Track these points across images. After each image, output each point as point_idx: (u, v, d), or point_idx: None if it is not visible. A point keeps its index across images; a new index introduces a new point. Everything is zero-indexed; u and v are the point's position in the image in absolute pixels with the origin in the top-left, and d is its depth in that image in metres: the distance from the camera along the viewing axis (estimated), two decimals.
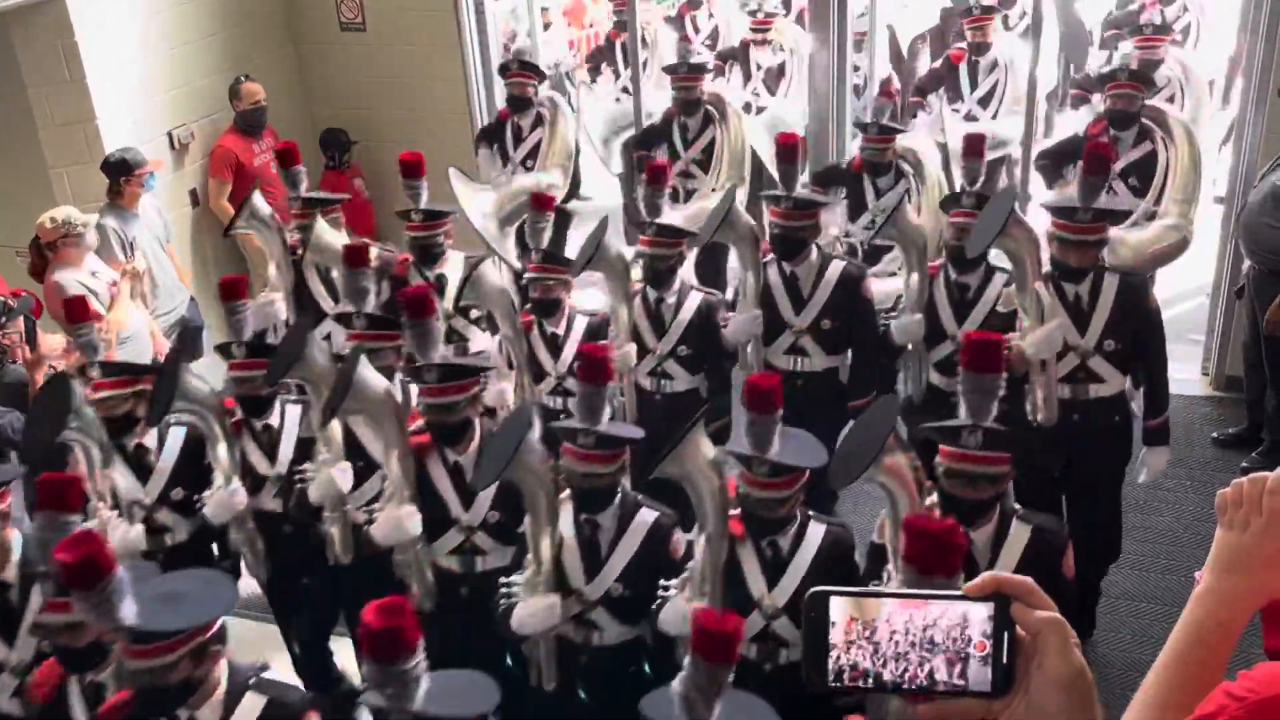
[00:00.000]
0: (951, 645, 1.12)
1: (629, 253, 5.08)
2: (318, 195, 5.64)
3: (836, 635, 1.14)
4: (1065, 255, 4.48)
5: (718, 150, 6.66)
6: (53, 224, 5.42)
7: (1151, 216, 5.80)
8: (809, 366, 4.98)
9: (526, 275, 5.01)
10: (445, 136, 7.30)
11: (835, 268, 4.93)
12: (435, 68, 7.45)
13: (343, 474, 3.96)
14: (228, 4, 7.09)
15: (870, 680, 1.13)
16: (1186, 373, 6.82)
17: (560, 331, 4.97)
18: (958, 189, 5.54)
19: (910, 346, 4.91)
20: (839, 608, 1.15)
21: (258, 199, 5.33)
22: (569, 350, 4.91)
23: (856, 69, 7.92)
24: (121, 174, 5.91)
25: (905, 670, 1.13)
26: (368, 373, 3.72)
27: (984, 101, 7.53)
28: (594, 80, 8.49)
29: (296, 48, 7.70)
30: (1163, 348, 4.67)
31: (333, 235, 5.34)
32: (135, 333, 5.71)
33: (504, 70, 6.88)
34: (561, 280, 4.89)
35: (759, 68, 7.98)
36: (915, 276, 4.79)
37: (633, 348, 4.90)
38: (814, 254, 4.92)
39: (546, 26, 10.58)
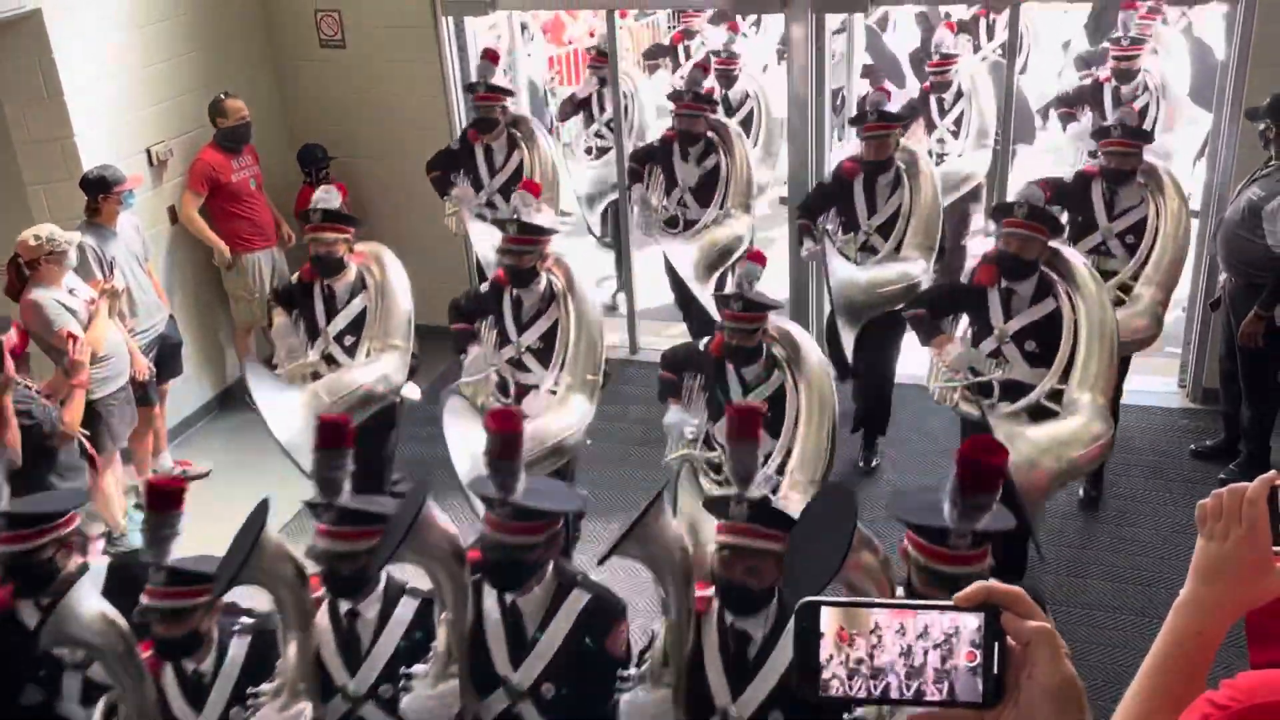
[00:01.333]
0: (942, 655, 1.13)
1: None
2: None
3: (827, 646, 1.15)
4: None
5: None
6: (35, 241, 5.37)
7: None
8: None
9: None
10: (424, 152, 7.29)
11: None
12: (414, 84, 7.46)
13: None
14: (207, 21, 7.08)
15: (861, 691, 1.14)
16: (1163, 385, 6.90)
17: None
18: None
19: None
20: (829, 618, 1.15)
21: None
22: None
23: (836, 92, 7.99)
24: (100, 191, 5.88)
25: (896, 681, 1.13)
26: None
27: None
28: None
29: (276, 64, 7.69)
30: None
31: None
32: (113, 352, 5.68)
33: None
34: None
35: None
36: None
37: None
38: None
39: (530, 40, 10.64)
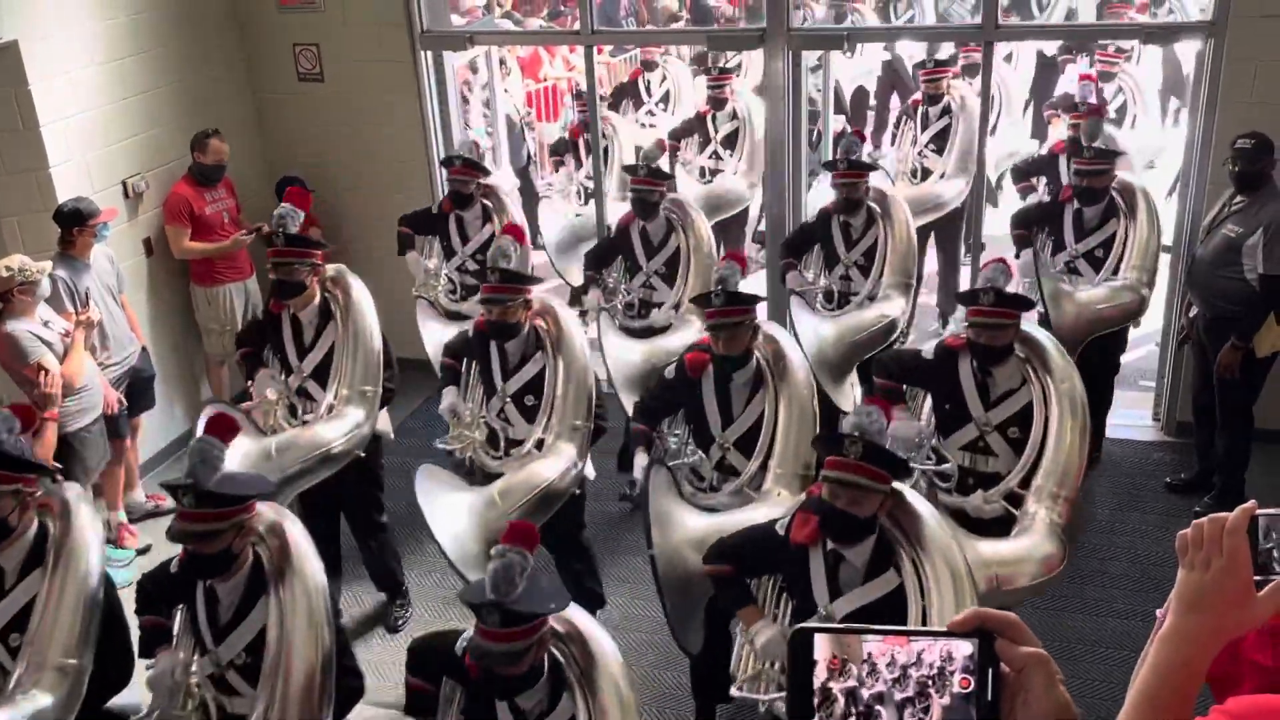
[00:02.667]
0: (936, 682, 1.12)
1: None
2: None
3: (820, 673, 1.13)
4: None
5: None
6: (7, 272, 5.32)
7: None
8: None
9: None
10: (403, 186, 7.31)
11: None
12: (392, 118, 7.47)
13: None
14: (186, 53, 7.07)
15: (854, 718, 1.13)
16: (1138, 419, 6.94)
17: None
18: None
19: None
20: (822, 646, 1.14)
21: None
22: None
23: (814, 117, 8.07)
24: (74, 224, 5.83)
25: (890, 708, 1.12)
26: None
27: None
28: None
29: (254, 97, 7.69)
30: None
31: None
32: (89, 384, 5.62)
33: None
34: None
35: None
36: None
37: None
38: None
39: (506, 74, 10.68)
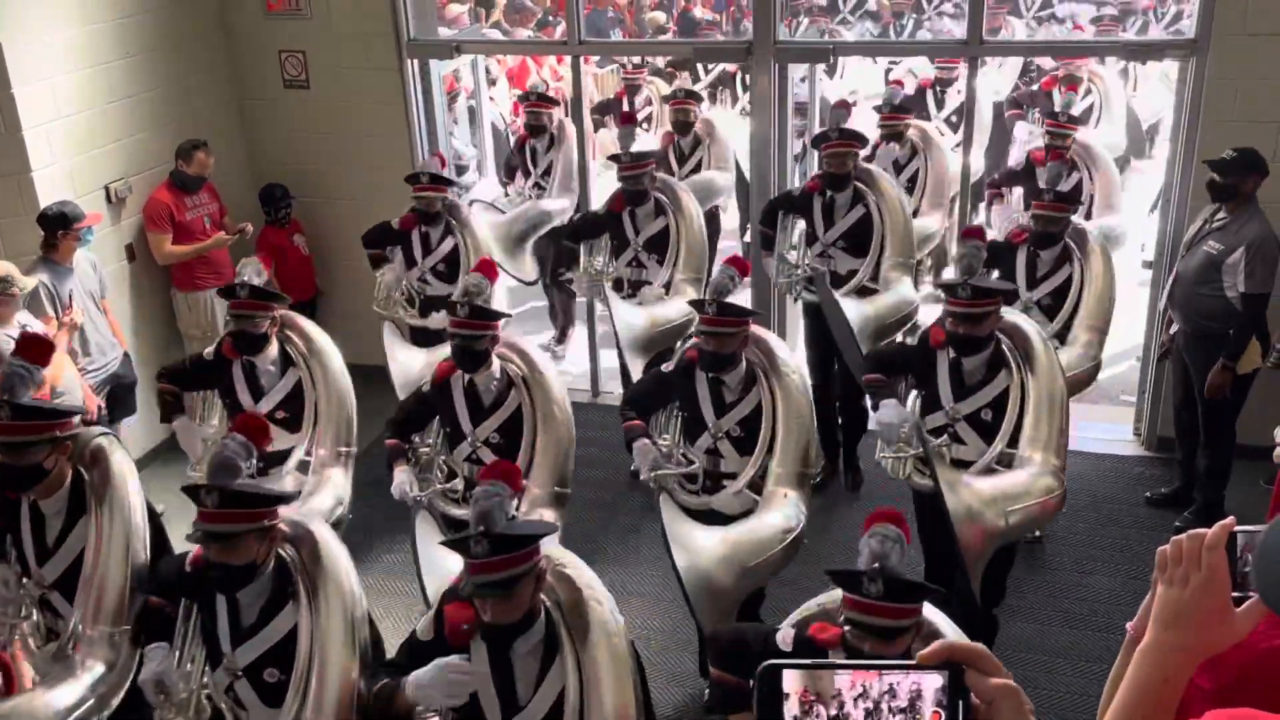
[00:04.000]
0: (907, 715, 1.12)
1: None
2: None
3: (791, 708, 1.13)
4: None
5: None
6: None
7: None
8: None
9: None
10: (387, 194, 7.28)
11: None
12: (378, 125, 7.46)
13: None
14: (171, 59, 7.05)
15: None
16: (1118, 433, 6.97)
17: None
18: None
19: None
20: (792, 680, 1.14)
21: None
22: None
23: (800, 135, 8.09)
24: (59, 228, 5.81)
25: None
26: None
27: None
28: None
29: (239, 103, 7.67)
30: None
31: None
32: (69, 388, 5.59)
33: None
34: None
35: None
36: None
37: None
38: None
39: (492, 83, 10.70)
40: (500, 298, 5.98)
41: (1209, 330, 5.72)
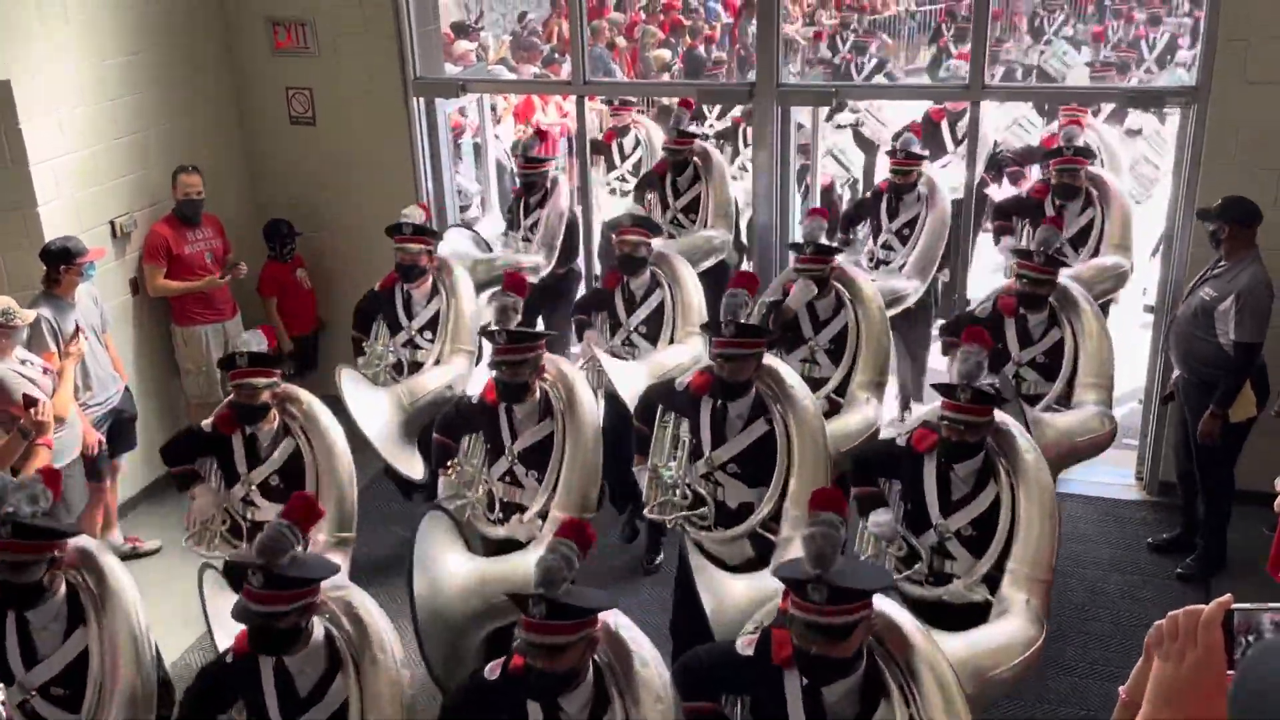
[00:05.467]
0: None
1: None
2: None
3: None
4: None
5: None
6: None
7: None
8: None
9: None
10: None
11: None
12: (383, 163, 7.50)
13: None
14: (179, 95, 7.10)
15: None
16: (1120, 478, 6.95)
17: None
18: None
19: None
20: None
21: None
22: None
23: (803, 170, 8.11)
24: (62, 262, 5.82)
25: None
26: None
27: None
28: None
29: (245, 139, 7.72)
30: None
31: None
32: (73, 421, 5.60)
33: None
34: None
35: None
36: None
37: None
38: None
39: (498, 122, 10.76)
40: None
41: (1204, 376, 5.73)
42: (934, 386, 4.56)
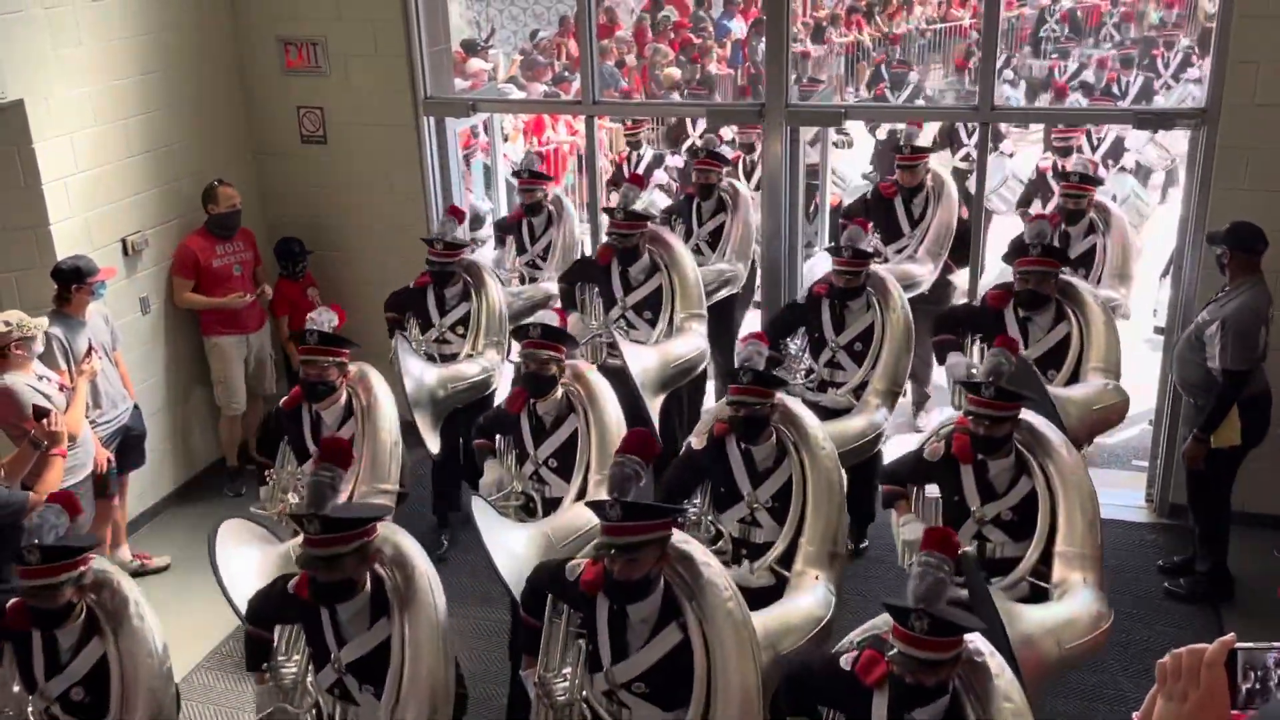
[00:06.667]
0: None
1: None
2: None
3: None
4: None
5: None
6: (6, 327, 5.34)
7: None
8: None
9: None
10: (401, 248, 7.33)
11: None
12: (393, 181, 7.53)
13: None
14: (190, 114, 7.14)
15: None
16: (1130, 499, 6.92)
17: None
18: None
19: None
20: None
21: None
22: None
23: (811, 190, 8.12)
24: (73, 281, 5.85)
25: None
26: None
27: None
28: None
29: (256, 157, 7.75)
30: None
31: None
32: (84, 438, 5.62)
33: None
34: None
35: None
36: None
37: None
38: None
39: (507, 139, 10.80)
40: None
41: (1195, 399, 5.76)
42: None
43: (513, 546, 4.44)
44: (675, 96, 12.36)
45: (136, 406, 6.40)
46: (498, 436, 5.22)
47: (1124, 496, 6.91)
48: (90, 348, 5.87)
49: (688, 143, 8.00)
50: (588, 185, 7.77)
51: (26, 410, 5.32)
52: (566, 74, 12.73)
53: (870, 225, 6.66)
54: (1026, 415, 4.66)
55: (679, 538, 3.75)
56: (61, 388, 5.57)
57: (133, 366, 6.60)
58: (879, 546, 6.33)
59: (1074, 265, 6.60)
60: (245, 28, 7.48)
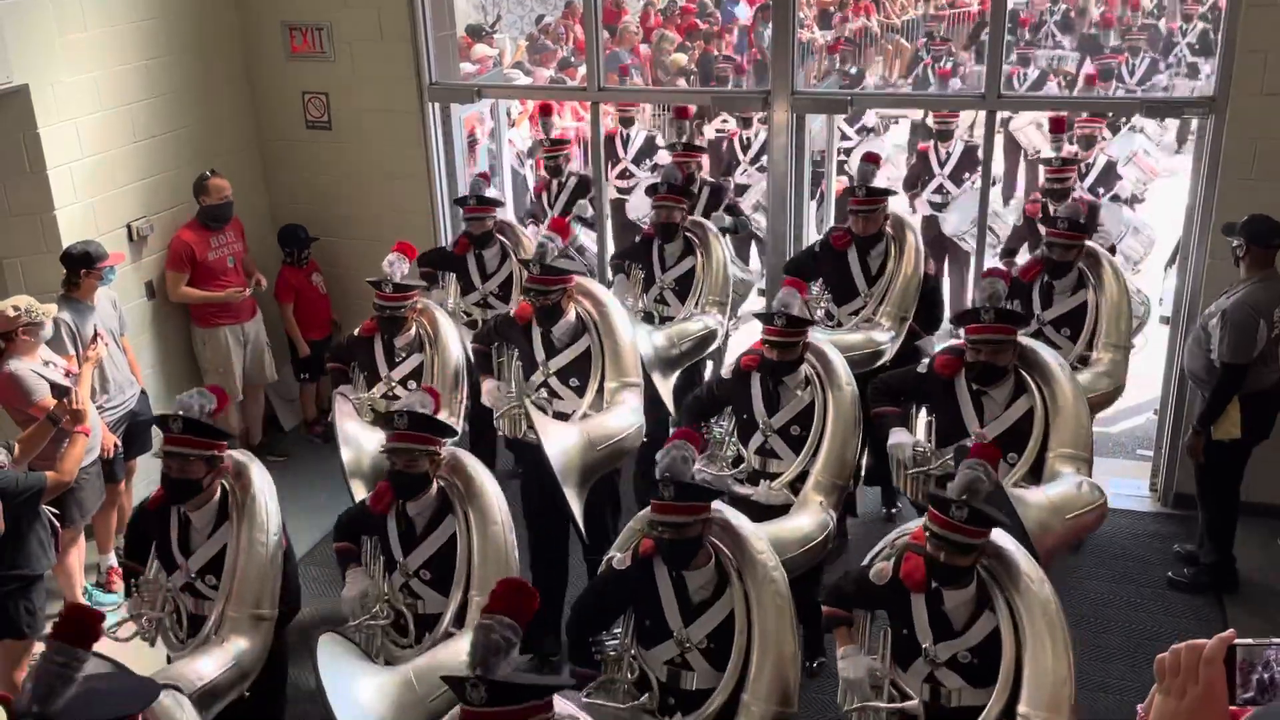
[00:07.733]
0: None
1: None
2: None
3: None
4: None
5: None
6: (14, 313, 5.34)
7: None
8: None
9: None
10: (405, 235, 7.32)
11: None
12: (398, 167, 7.52)
13: None
14: (195, 99, 7.14)
15: None
16: (1135, 489, 6.91)
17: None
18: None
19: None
20: None
21: None
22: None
23: (817, 177, 8.10)
24: (82, 267, 5.86)
25: None
26: None
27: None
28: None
29: (261, 143, 7.75)
30: None
31: None
32: (91, 422, 5.62)
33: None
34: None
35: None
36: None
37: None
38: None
39: (513, 124, 10.78)
40: None
41: (1200, 389, 5.78)
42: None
43: (360, 696, 3.81)
44: (681, 83, 12.33)
45: (144, 392, 6.41)
46: (363, 539, 4.49)
47: (1129, 486, 6.91)
48: (96, 333, 5.88)
49: (685, 137, 7.77)
50: (593, 173, 7.75)
51: (32, 396, 5.33)
52: (573, 60, 12.69)
53: (810, 285, 5.93)
54: (994, 535, 3.84)
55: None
56: (68, 373, 5.58)
57: (141, 351, 6.62)
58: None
59: (1056, 326, 5.93)
60: (250, 13, 7.46)
